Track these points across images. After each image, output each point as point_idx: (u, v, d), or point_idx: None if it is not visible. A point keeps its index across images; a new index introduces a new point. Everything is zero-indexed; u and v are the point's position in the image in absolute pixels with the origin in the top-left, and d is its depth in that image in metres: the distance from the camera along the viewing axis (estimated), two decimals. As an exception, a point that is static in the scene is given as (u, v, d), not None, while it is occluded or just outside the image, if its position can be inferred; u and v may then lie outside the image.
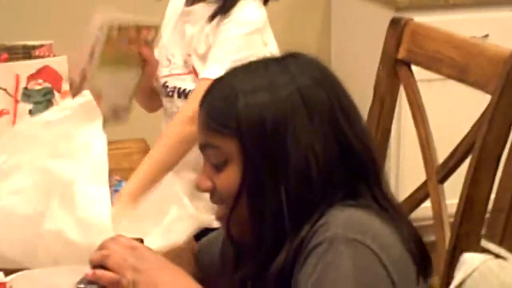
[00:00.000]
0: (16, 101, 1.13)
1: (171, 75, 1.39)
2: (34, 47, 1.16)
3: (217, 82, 0.91)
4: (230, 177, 0.86)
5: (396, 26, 1.24)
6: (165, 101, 1.44)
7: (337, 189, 0.83)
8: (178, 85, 1.39)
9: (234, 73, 0.90)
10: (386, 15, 2.34)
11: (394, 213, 0.84)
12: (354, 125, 0.86)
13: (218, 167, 0.87)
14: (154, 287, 0.81)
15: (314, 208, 0.81)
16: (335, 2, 2.58)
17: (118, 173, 1.45)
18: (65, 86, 1.14)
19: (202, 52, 1.34)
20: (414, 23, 1.26)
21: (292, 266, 0.81)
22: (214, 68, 1.23)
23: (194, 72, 1.36)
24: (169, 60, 1.41)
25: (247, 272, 0.89)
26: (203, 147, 0.90)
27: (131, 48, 1.23)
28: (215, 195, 0.89)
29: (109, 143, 1.40)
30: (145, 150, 1.59)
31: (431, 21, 1.66)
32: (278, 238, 0.82)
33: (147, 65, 1.29)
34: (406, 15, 2.18)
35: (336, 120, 0.84)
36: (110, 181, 1.36)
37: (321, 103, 0.83)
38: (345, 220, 0.80)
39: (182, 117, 1.22)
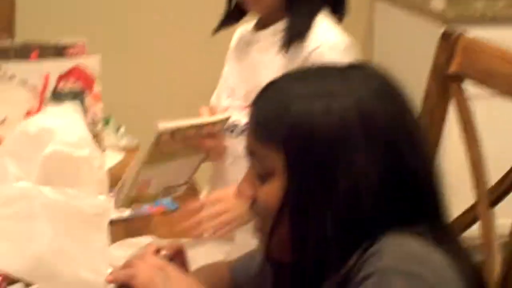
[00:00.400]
0: (42, 101, 1.10)
1: (231, 107, 1.32)
2: (66, 46, 1.12)
3: (271, 85, 0.83)
4: (273, 192, 0.79)
5: (448, 40, 1.21)
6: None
7: (391, 215, 0.76)
8: (237, 122, 1.29)
9: (289, 79, 0.84)
10: (431, 28, 2.32)
11: (453, 245, 0.77)
12: (416, 149, 0.78)
13: (262, 178, 0.81)
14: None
15: (365, 235, 0.75)
16: (379, 13, 2.57)
17: None
18: (97, 88, 1.10)
19: None
20: (467, 37, 1.22)
21: None
22: None
23: None
24: (232, 91, 1.33)
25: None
26: (249, 153, 0.84)
27: (186, 144, 1.18)
28: (255, 206, 0.83)
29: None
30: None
31: (478, 35, 1.62)
32: (321, 263, 0.76)
33: (212, 153, 1.25)
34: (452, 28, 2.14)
35: (396, 141, 0.77)
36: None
37: (381, 121, 0.76)
38: (399, 250, 0.73)
39: None
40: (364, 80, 0.78)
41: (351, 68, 0.82)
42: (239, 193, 0.84)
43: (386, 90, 0.78)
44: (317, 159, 0.76)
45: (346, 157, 0.75)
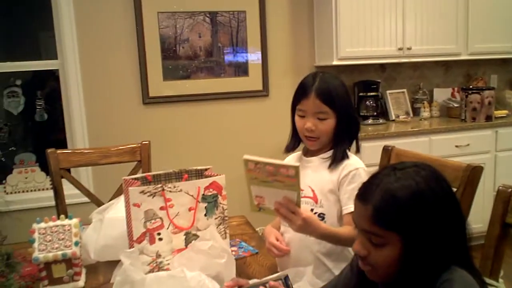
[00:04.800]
0: (197, 202, 1.50)
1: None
2: (202, 170, 1.56)
3: (374, 183, 0.93)
4: (388, 256, 0.90)
5: (504, 195, 1.24)
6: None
7: (454, 256, 0.91)
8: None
9: (381, 176, 0.94)
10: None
11: (479, 278, 0.93)
12: (461, 215, 0.95)
13: (377, 245, 0.92)
14: None
15: (443, 269, 0.89)
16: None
17: (237, 237, 1.88)
18: (224, 192, 1.52)
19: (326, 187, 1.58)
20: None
21: None
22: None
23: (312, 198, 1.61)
24: None
25: None
26: (365, 231, 0.94)
27: (274, 179, 1.30)
28: (367, 260, 0.95)
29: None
30: (246, 222, 2.05)
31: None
32: (416, 285, 0.90)
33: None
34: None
35: (456, 211, 0.93)
36: (233, 241, 1.82)
37: (451, 202, 0.93)
38: (463, 280, 0.88)
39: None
40: (420, 169, 0.93)
41: (414, 165, 0.96)
42: (355, 250, 0.97)
43: (438, 175, 0.94)
44: (425, 232, 0.88)
45: (439, 225, 0.89)
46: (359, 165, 1.63)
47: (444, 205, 0.90)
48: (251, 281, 1.16)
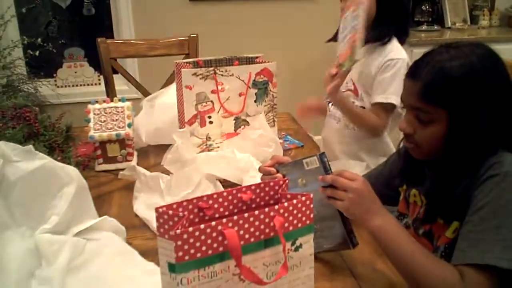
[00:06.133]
0: (248, 88, 1.54)
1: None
2: (253, 58, 1.59)
3: (426, 60, 0.92)
4: (434, 133, 0.90)
5: None
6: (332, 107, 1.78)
7: (504, 139, 0.90)
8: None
9: (436, 54, 0.92)
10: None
11: None
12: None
13: (423, 122, 0.92)
14: (359, 205, 0.88)
15: (490, 152, 0.87)
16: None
17: (283, 131, 1.89)
18: (275, 79, 1.54)
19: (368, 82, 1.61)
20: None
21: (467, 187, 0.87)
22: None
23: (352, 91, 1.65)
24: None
25: (430, 185, 0.96)
26: (413, 108, 0.93)
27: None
28: (411, 138, 0.96)
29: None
30: (291, 118, 2.07)
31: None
32: (463, 165, 0.89)
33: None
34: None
35: (509, 95, 0.91)
36: (279, 135, 1.79)
37: (505, 84, 0.90)
38: None
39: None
40: (475, 47, 0.91)
41: (469, 44, 0.93)
42: (400, 128, 0.97)
43: (494, 55, 0.93)
44: (472, 107, 0.86)
45: (487, 104, 0.87)
46: (400, 56, 1.59)
47: (497, 86, 0.88)
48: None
